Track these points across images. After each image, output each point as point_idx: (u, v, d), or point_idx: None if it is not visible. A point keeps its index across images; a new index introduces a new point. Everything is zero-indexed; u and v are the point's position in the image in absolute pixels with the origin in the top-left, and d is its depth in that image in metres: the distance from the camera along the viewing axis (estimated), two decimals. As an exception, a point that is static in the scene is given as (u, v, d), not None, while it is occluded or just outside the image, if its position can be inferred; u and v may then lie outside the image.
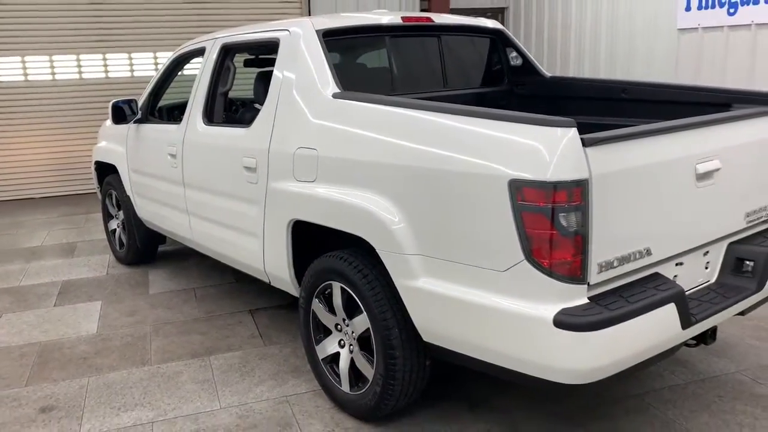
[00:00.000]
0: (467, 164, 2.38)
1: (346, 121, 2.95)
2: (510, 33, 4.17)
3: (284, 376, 3.51)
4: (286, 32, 3.48)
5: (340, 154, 2.92)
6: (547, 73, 4.14)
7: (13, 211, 8.06)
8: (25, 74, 8.44)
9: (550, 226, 2.19)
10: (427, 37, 3.93)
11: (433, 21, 3.84)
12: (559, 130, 2.19)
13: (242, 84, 5.44)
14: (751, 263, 2.84)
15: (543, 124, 2.22)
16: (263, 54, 4.19)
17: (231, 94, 5.27)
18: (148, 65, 8.87)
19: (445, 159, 2.46)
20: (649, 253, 2.45)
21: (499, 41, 4.22)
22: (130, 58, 8.78)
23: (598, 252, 2.27)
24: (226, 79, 4.03)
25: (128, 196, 5.18)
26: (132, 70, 8.82)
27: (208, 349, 3.88)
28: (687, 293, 2.71)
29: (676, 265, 2.67)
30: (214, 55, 4.07)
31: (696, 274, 2.78)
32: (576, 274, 2.24)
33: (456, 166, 2.42)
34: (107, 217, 5.77)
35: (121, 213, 5.47)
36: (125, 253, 5.50)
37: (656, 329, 2.37)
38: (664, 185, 2.44)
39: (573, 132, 2.19)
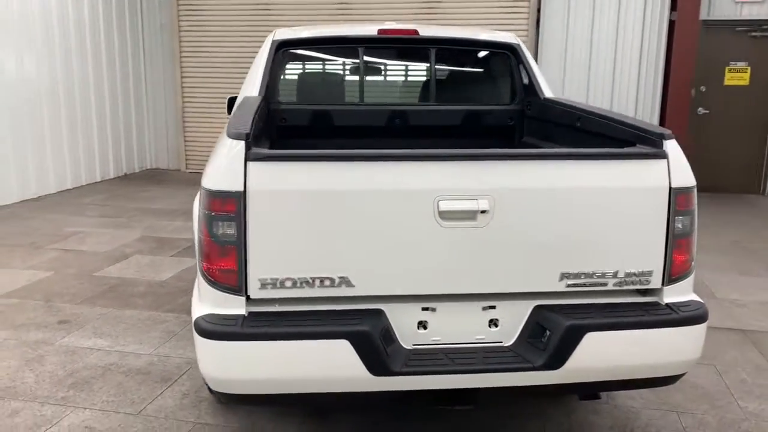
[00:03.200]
0: None
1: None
2: (524, 48, 3.81)
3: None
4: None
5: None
6: (543, 95, 3.69)
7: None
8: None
9: (207, 232, 2.27)
10: (413, 50, 3.89)
11: (417, 34, 3.78)
12: (230, 142, 2.25)
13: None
14: (548, 334, 2.35)
15: (228, 134, 2.29)
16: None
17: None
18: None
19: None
20: (348, 283, 2.29)
21: (513, 57, 3.90)
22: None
23: (259, 268, 2.25)
24: None
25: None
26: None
27: (207, 311, 4.52)
28: (441, 346, 2.40)
29: (423, 309, 2.38)
30: None
31: (470, 329, 2.42)
32: (230, 283, 2.27)
33: None
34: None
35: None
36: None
37: (322, 363, 2.23)
38: (374, 215, 2.25)
39: (241, 145, 2.22)
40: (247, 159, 2.21)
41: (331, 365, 2.23)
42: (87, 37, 9.08)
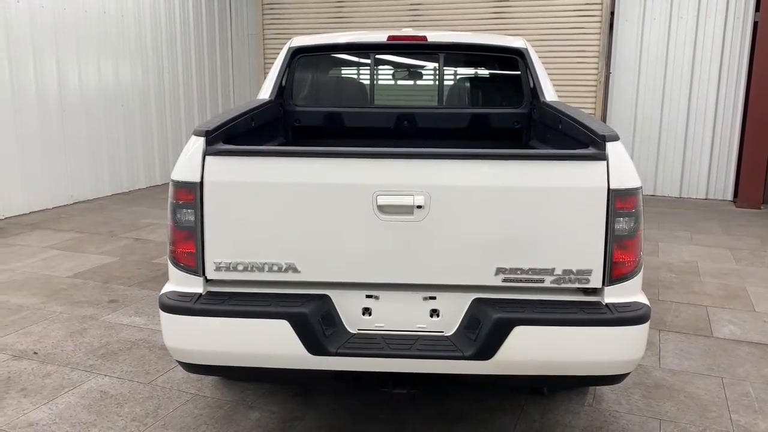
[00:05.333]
0: None
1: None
2: (532, 52, 3.86)
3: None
4: (289, 47, 4.16)
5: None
6: (543, 98, 3.71)
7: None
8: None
9: (172, 219, 2.55)
10: (420, 55, 4.03)
11: (426, 40, 3.93)
12: (193, 138, 2.52)
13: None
14: (480, 325, 2.45)
15: (193, 132, 2.57)
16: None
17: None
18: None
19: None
20: (294, 269, 2.50)
21: (520, 61, 3.96)
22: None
23: (214, 251, 2.51)
24: None
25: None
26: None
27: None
28: (383, 332, 2.55)
29: (367, 297, 2.55)
30: None
31: (411, 317, 2.56)
32: (189, 264, 2.54)
33: None
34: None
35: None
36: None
37: (264, 340, 2.45)
38: (318, 207, 2.45)
39: (201, 141, 2.50)
40: (205, 153, 2.47)
41: (273, 343, 2.45)
42: (178, 45, 9.82)
